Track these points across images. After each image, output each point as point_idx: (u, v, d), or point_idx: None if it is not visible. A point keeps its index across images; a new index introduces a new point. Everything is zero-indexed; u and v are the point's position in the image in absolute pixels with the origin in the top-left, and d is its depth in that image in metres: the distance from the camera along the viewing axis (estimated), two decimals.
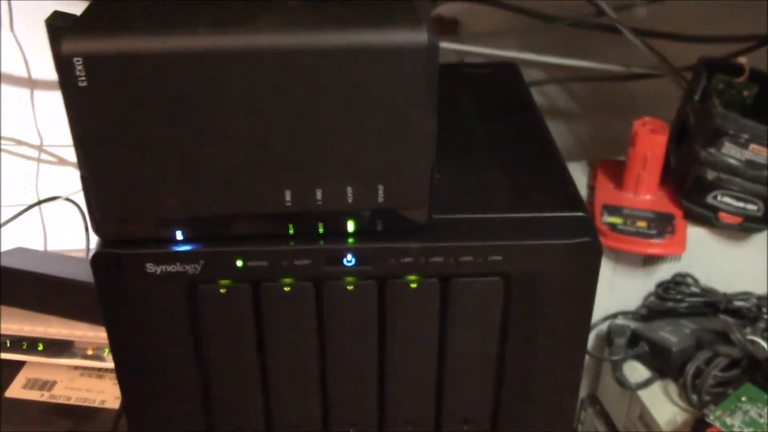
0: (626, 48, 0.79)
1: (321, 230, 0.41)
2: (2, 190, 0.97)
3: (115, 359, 0.45)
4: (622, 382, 0.65)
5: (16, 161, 0.99)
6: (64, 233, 0.91)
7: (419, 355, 0.45)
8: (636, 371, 0.66)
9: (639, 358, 0.66)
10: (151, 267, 0.41)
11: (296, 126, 0.37)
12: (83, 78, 0.36)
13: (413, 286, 0.42)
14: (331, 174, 0.39)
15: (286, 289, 0.42)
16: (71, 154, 0.98)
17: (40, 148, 0.98)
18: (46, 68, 0.93)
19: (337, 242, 0.41)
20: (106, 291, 0.42)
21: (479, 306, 0.43)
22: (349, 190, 0.39)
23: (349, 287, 0.42)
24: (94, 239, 0.89)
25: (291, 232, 0.41)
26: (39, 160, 0.99)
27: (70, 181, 0.99)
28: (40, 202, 0.91)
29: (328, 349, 0.44)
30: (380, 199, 0.40)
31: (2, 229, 0.84)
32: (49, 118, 0.97)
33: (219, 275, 0.42)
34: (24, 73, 0.94)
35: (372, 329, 0.44)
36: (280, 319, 0.43)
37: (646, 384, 0.65)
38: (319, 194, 0.39)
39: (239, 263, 0.41)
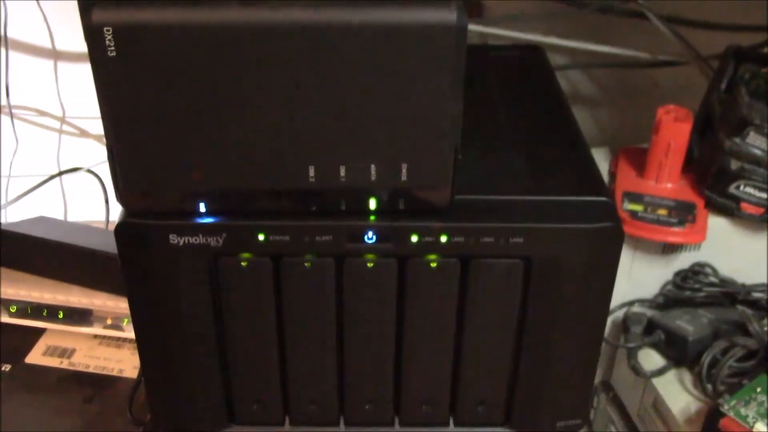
0: (652, 35, 0.79)
1: (343, 207, 0.41)
2: (24, 161, 0.97)
3: (136, 329, 0.45)
4: (637, 370, 0.65)
5: (38, 132, 1.00)
6: (85, 205, 0.92)
7: (437, 335, 0.45)
8: (651, 359, 0.66)
9: (654, 346, 0.66)
10: (174, 238, 0.41)
11: (322, 102, 0.37)
12: (112, 48, 0.36)
13: (433, 265, 0.42)
14: (355, 151, 0.39)
15: (307, 264, 0.42)
16: (93, 127, 0.99)
17: (62, 119, 0.99)
18: (70, 39, 0.93)
19: (358, 219, 0.41)
20: (128, 261, 0.42)
21: (499, 287, 0.43)
22: (373, 168, 0.39)
23: (369, 264, 0.42)
24: (115, 211, 0.90)
25: (313, 208, 0.41)
26: (61, 132, 1.00)
27: (91, 154, 1.00)
28: (61, 173, 0.91)
29: (346, 326, 0.45)
30: (403, 178, 0.40)
31: (23, 198, 0.85)
32: (73, 90, 0.97)
33: (241, 249, 0.42)
34: (48, 44, 0.94)
35: (391, 307, 0.44)
36: (300, 294, 0.43)
37: (660, 372, 0.65)
38: (342, 171, 0.39)
39: (261, 237, 0.41)
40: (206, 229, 0.41)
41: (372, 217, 0.41)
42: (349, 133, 0.38)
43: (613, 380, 0.72)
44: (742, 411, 0.56)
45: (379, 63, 0.36)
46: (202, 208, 0.41)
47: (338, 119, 0.38)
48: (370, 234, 0.41)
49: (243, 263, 0.42)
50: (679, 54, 0.80)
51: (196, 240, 0.41)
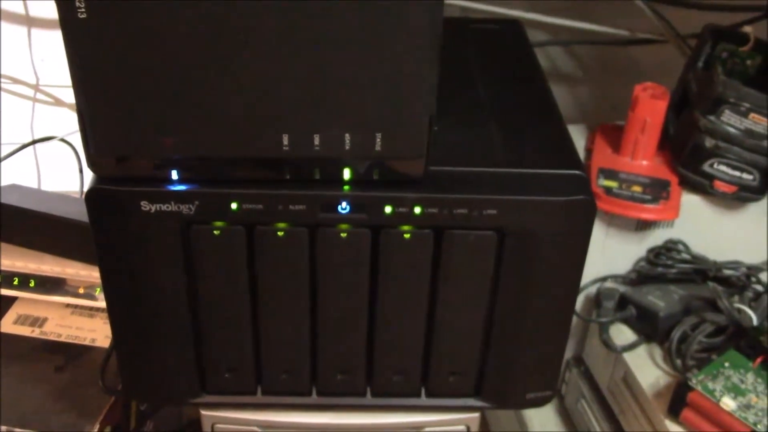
0: (631, 13, 0.79)
1: (317, 177, 0.41)
2: None
3: (107, 297, 0.45)
4: (608, 344, 0.66)
5: (12, 99, 0.98)
6: (58, 174, 0.91)
7: (410, 306, 0.45)
8: (622, 334, 0.67)
9: (626, 321, 0.67)
10: (145, 205, 0.41)
11: (297, 70, 0.37)
12: (83, 9, 0.35)
13: (407, 236, 0.42)
14: (329, 120, 0.39)
15: (280, 233, 0.42)
16: (68, 95, 0.98)
17: (36, 87, 0.97)
18: (43, 6, 0.92)
19: (332, 189, 0.41)
20: (99, 228, 0.42)
21: (472, 259, 0.43)
22: (347, 137, 0.39)
23: (342, 234, 0.42)
24: (88, 181, 0.89)
25: (287, 177, 0.41)
26: (35, 100, 0.98)
27: (65, 123, 0.98)
28: (34, 142, 0.90)
29: (319, 296, 0.45)
30: (378, 148, 0.40)
31: None
32: (47, 58, 0.95)
33: (213, 217, 0.42)
34: (22, 11, 0.92)
35: (364, 277, 0.44)
36: (273, 263, 0.43)
37: (631, 347, 0.66)
38: (317, 140, 0.39)
39: (234, 206, 0.41)
40: (178, 196, 0.41)
41: (346, 187, 0.41)
42: (324, 101, 0.38)
43: (585, 355, 0.73)
44: (710, 385, 0.57)
45: (354, 31, 0.36)
46: (175, 175, 0.41)
47: (313, 87, 0.38)
48: (344, 204, 0.41)
49: (216, 231, 0.42)
50: (658, 32, 0.80)
51: (168, 207, 0.41)
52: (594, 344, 0.70)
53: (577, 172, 0.43)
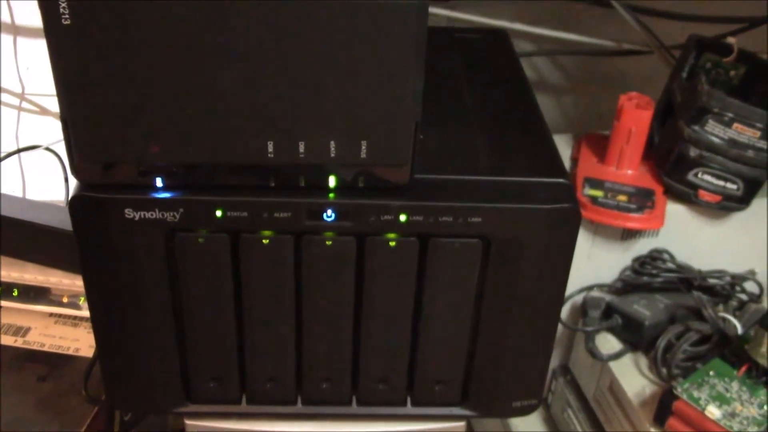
0: (616, 23, 0.79)
1: (302, 184, 0.41)
2: None
3: (90, 305, 0.45)
4: (594, 353, 0.66)
5: None
6: (43, 184, 0.91)
7: (395, 314, 0.45)
8: (608, 343, 0.67)
9: (612, 330, 0.67)
10: (129, 213, 0.41)
11: (282, 77, 0.37)
12: (67, 16, 0.35)
13: (392, 244, 0.42)
14: (315, 127, 0.39)
15: (265, 241, 0.42)
16: (53, 104, 0.97)
17: (21, 96, 0.97)
18: (30, 15, 0.91)
19: (318, 197, 0.41)
20: (83, 235, 0.42)
21: (457, 267, 0.43)
22: (333, 144, 0.39)
23: (327, 242, 0.42)
24: (74, 190, 0.88)
25: (272, 184, 0.41)
26: (20, 109, 0.98)
27: (51, 132, 0.98)
28: (19, 150, 0.89)
29: (304, 304, 0.45)
30: (363, 155, 0.40)
31: None
32: (32, 67, 0.95)
33: (198, 224, 0.41)
34: (7, 19, 0.92)
35: (349, 285, 0.44)
36: (258, 271, 0.43)
37: (617, 356, 0.66)
38: (302, 147, 0.39)
39: (219, 213, 0.41)
40: (163, 203, 0.41)
41: (331, 195, 0.41)
42: (309, 108, 0.38)
43: (571, 364, 0.73)
44: (695, 394, 0.57)
45: (340, 38, 0.36)
46: (159, 182, 0.41)
47: (298, 94, 0.38)
48: (329, 212, 0.41)
49: (200, 239, 0.42)
50: (643, 43, 0.81)
51: (152, 215, 0.41)
52: (580, 353, 0.70)
53: (561, 180, 0.43)
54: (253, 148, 0.39)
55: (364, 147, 0.39)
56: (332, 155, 0.40)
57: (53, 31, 0.36)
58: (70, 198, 0.41)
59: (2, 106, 0.97)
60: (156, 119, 0.38)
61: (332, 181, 0.41)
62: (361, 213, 0.41)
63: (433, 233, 0.42)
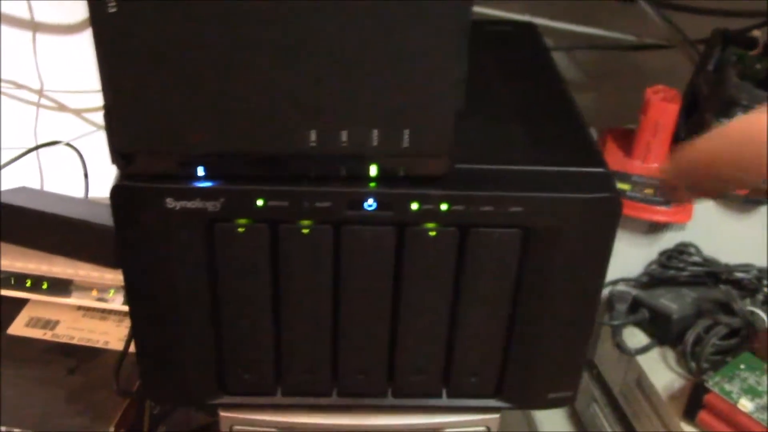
0: (635, 18, 0.79)
1: (343, 173, 0.41)
2: (1, 133, 0.95)
3: (128, 295, 0.44)
4: (621, 347, 0.65)
5: (15, 105, 0.98)
6: (61, 180, 0.91)
7: (433, 305, 0.45)
8: (635, 337, 0.67)
9: (639, 324, 0.67)
10: (170, 202, 0.41)
11: (326, 65, 0.37)
12: (113, 3, 0.35)
13: (432, 234, 0.42)
14: (358, 116, 0.38)
15: (305, 231, 0.42)
16: (72, 100, 0.97)
17: (40, 93, 0.97)
18: (49, 11, 0.91)
19: (358, 186, 0.41)
20: (123, 225, 0.42)
21: (496, 257, 0.43)
22: (375, 133, 0.39)
23: (367, 232, 0.42)
24: (93, 186, 0.88)
25: (312, 174, 0.41)
26: (39, 105, 0.98)
27: (69, 128, 0.98)
28: (39, 146, 0.89)
29: (342, 294, 0.44)
30: (405, 144, 0.39)
31: (0, 172, 0.83)
32: (51, 63, 0.95)
33: (238, 214, 0.41)
34: (27, 16, 0.92)
35: (388, 276, 0.44)
36: (297, 261, 0.43)
37: (644, 350, 0.66)
38: (344, 136, 0.39)
39: (260, 202, 0.41)
40: (204, 193, 0.40)
41: (372, 184, 0.41)
42: (353, 97, 0.38)
43: (596, 358, 0.73)
44: (727, 387, 0.57)
45: (384, 26, 0.36)
46: (201, 171, 0.40)
47: (341, 82, 0.37)
48: (371, 201, 0.41)
49: (240, 229, 0.42)
50: (664, 37, 0.81)
51: (193, 204, 0.41)
52: (606, 347, 0.70)
53: (601, 169, 0.43)
54: (296, 137, 0.39)
55: (406, 136, 0.39)
56: (374, 144, 0.39)
57: (98, 18, 0.35)
58: (111, 188, 0.40)
59: (21, 103, 0.97)
60: (198, 108, 0.38)
61: (373, 171, 0.41)
62: (402, 202, 0.41)
63: (474, 223, 0.42)
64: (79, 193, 0.83)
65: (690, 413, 0.59)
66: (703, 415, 0.58)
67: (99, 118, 0.98)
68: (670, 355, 0.65)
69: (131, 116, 0.38)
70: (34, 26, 0.93)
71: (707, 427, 0.58)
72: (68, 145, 0.87)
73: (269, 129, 0.39)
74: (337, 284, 0.44)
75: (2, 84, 0.96)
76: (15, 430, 0.52)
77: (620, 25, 0.84)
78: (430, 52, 0.37)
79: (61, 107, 0.99)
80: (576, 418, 0.76)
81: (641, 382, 0.65)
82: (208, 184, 0.40)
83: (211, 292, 0.44)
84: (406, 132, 0.39)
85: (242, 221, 0.42)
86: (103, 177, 0.76)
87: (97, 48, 0.37)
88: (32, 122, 0.98)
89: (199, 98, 0.38)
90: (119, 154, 0.40)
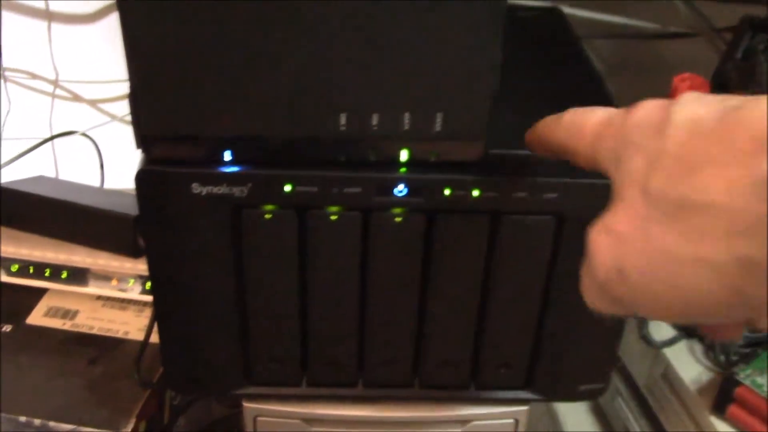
0: (658, 5, 0.78)
1: (373, 158, 0.40)
2: (15, 124, 0.95)
3: (153, 282, 0.44)
4: (647, 340, 0.64)
5: (30, 95, 0.97)
6: (77, 170, 0.90)
7: (462, 294, 0.44)
8: (661, 330, 0.65)
9: None
10: (197, 187, 0.40)
11: (357, 47, 0.36)
12: None
13: (463, 221, 0.41)
14: (389, 99, 0.37)
15: (333, 217, 0.41)
16: (86, 91, 0.97)
17: (55, 83, 0.96)
18: (64, 1, 0.90)
19: (389, 171, 0.40)
20: (148, 211, 0.41)
21: (529, 245, 0.42)
22: (407, 116, 0.38)
23: (397, 219, 0.41)
24: (109, 176, 0.87)
25: (342, 158, 0.40)
26: (54, 95, 0.97)
27: (83, 118, 0.97)
28: (54, 137, 0.89)
29: (369, 282, 0.43)
30: (437, 128, 0.38)
31: (15, 162, 0.82)
32: (66, 53, 0.94)
33: (266, 199, 0.40)
34: (42, 5, 0.91)
35: (416, 264, 0.43)
36: (324, 248, 0.42)
37: (671, 342, 0.64)
38: (375, 119, 0.38)
39: (288, 188, 0.40)
40: (231, 178, 0.40)
41: (402, 169, 0.40)
42: (384, 79, 0.37)
43: (621, 351, 0.71)
44: (758, 380, 0.56)
45: (418, 7, 0.35)
46: (228, 156, 0.39)
47: (373, 65, 0.36)
48: (401, 187, 0.40)
49: (267, 215, 0.41)
50: (689, 26, 0.79)
51: (219, 189, 0.40)
52: (631, 340, 0.68)
53: None
54: (325, 121, 0.38)
55: (438, 120, 0.38)
56: (406, 128, 0.38)
57: (126, 2, 0.35)
58: (136, 172, 0.40)
59: (36, 93, 0.97)
60: (225, 91, 0.37)
61: (404, 155, 0.40)
62: (434, 188, 0.40)
63: (506, 210, 0.41)
64: (94, 184, 0.82)
65: (719, 407, 0.57)
66: (733, 409, 0.56)
67: (114, 108, 0.98)
68: (698, 347, 0.64)
69: (157, 99, 0.37)
70: (50, 16, 0.92)
71: (737, 422, 0.56)
72: (84, 135, 0.87)
73: (298, 112, 0.38)
74: (365, 272, 0.43)
75: (17, 74, 0.96)
76: (36, 420, 0.52)
77: (642, 13, 0.83)
78: (466, 32, 0.36)
79: (77, 97, 0.98)
80: (599, 411, 0.75)
81: (668, 376, 0.63)
82: (234, 169, 0.39)
83: (236, 279, 0.43)
84: (439, 115, 0.38)
85: (269, 207, 0.41)
86: (119, 167, 0.76)
87: (123, 30, 0.36)
88: (47, 112, 0.97)
89: (227, 81, 0.37)
90: (144, 138, 0.39)
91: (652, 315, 0.28)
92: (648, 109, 0.28)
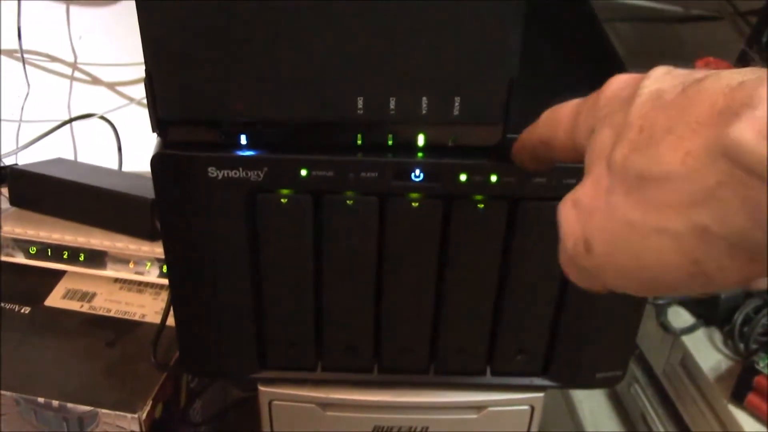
0: None
1: (390, 142, 0.39)
2: (35, 106, 0.95)
3: (168, 266, 0.44)
4: (666, 327, 0.64)
5: (49, 77, 0.98)
6: (95, 153, 0.90)
7: (479, 280, 0.44)
8: (680, 317, 0.65)
9: (684, 303, 0.65)
10: (212, 171, 0.40)
11: (375, 30, 0.35)
12: None
13: (480, 206, 0.41)
14: (407, 82, 0.37)
15: (349, 202, 0.41)
16: (105, 73, 0.97)
17: (74, 65, 0.96)
18: None
19: (406, 156, 0.40)
20: (164, 194, 0.41)
21: (548, 232, 0.41)
22: (425, 100, 0.38)
23: (414, 204, 0.41)
24: (127, 159, 0.88)
25: (359, 143, 0.39)
26: (72, 78, 0.98)
27: (102, 101, 0.97)
28: (72, 120, 0.89)
29: (386, 268, 0.43)
30: (456, 113, 0.38)
31: (34, 145, 0.83)
32: (85, 36, 0.94)
33: (282, 184, 0.40)
34: None
35: (433, 250, 0.42)
36: (340, 233, 0.42)
37: (690, 330, 0.64)
38: (393, 103, 0.38)
39: (303, 172, 0.40)
40: (247, 162, 0.39)
41: (419, 154, 0.40)
42: (402, 62, 0.36)
43: (638, 338, 0.71)
44: None
45: None
46: (243, 140, 0.39)
47: (391, 47, 0.36)
48: (418, 171, 0.40)
49: (283, 200, 0.41)
50: (713, 9, 0.78)
51: (235, 174, 0.40)
52: (649, 327, 0.68)
53: None
54: (343, 104, 0.38)
55: (456, 104, 0.38)
56: (424, 112, 0.38)
57: None
58: (152, 156, 0.39)
59: (55, 76, 0.97)
60: (242, 74, 0.37)
61: (421, 140, 0.39)
62: (451, 173, 0.40)
63: (524, 195, 0.41)
64: (112, 167, 0.82)
65: (738, 395, 0.57)
66: (752, 398, 0.56)
67: (133, 91, 0.98)
68: (717, 335, 0.63)
69: (173, 83, 0.37)
70: None
71: (756, 410, 0.56)
72: (102, 118, 0.87)
73: (315, 95, 0.37)
74: (381, 258, 0.43)
75: (37, 57, 0.96)
76: (54, 401, 0.52)
77: None
78: (485, 15, 0.35)
79: (95, 80, 0.98)
80: (616, 398, 0.74)
81: (686, 363, 0.63)
82: (250, 153, 0.39)
83: (252, 264, 0.43)
84: (457, 100, 0.38)
85: (285, 191, 0.41)
86: (137, 150, 0.76)
87: (138, 12, 0.35)
88: (66, 95, 0.98)
89: (243, 64, 0.36)
90: (160, 121, 0.39)
91: (618, 286, 0.28)
92: (620, 82, 0.29)
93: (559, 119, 0.33)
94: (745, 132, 0.21)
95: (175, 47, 0.36)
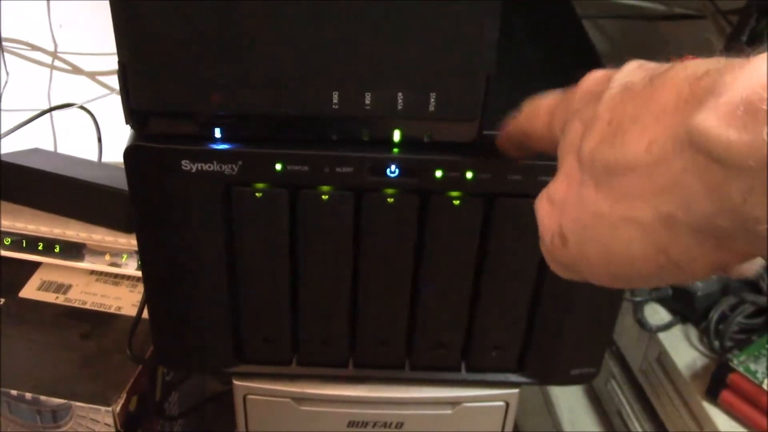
0: None
1: (366, 138, 0.39)
2: (13, 95, 0.94)
3: (142, 259, 0.43)
4: (642, 324, 0.64)
5: (28, 66, 0.97)
6: (74, 143, 0.89)
7: (455, 276, 0.44)
8: (657, 314, 0.65)
9: (661, 301, 0.65)
10: (186, 164, 0.39)
11: (350, 24, 0.35)
12: None
13: (456, 203, 0.41)
14: (383, 77, 0.37)
15: (325, 197, 0.41)
16: (86, 63, 0.96)
17: (54, 54, 0.96)
18: None
19: (381, 151, 0.39)
20: (137, 187, 0.40)
21: (524, 229, 0.42)
22: (400, 96, 0.37)
23: (389, 200, 0.41)
24: (107, 150, 0.87)
25: (334, 137, 0.39)
26: (52, 67, 0.97)
27: (82, 91, 0.97)
28: (52, 109, 0.88)
29: (361, 262, 0.43)
30: (431, 108, 0.38)
31: (12, 134, 0.82)
32: (65, 25, 0.94)
33: (256, 178, 0.40)
34: None
35: (409, 245, 0.42)
36: (316, 228, 0.42)
37: (666, 327, 0.64)
38: (368, 98, 0.37)
39: (278, 167, 0.39)
40: (221, 155, 0.39)
41: (395, 150, 0.39)
42: (378, 57, 0.36)
43: (616, 335, 0.71)
44: (752, 366, 0.56)
45: None
46: (218, 133, 0.39)
47: (366, 42, 0.36)
48: (393, 167, 0.40)
49: (258, 194, 0.40)
50: (695, 8, 0.78)
51: (209, 167, 0.39)
52: (626, 324, 0.68)
53: None
54: (317, 99, 0.37)
55: (432, 100, 0.38)
56: (399, 108, 0.38)
57: None
58: (125, 148, 0.39)
59: (35, 64, 0.96)
60: (216, 66, 0.36)
61: (397, 135, 0.39)
62: (427, 169, 0.40)
63: (500, 192, 0.40)
64: (92, 157, 0.82)
65: (712, 392, 0.57)
66: (726, 395, 0.56)
67: (113, 81, 0.97)
68: (693, 333, 0.64)
69: (147, 73, 0.37)
70: None
71: (730, 407, 0.56)
72: (82, 107, 0.86)
73: (290, 89, 0.37)
74: (357, 252, 0.43)
75: (16, 45, 0.95)
76: (27, 394, 0.52)
77: None
78: (461, 11, 0.35)
79: (76, 69, 0.97)
80: (593, 394, 0.75)
81: (662, 360, 0.63)
82: (225, 146, 0.39)
83: (227, 258, 0.43)
84: (433, 96, 0.37)
85: (260, 186, 0.40)
86: (117, 141, 0.75)
87: (112, 3, 0.35)
88: (46, 84, 0.97)
89: (218, 57, 0.36)
90: (134, 113, 0.38)
91: (593, 279, 0.28)
92: (593, 78, 0.29)
93: (538, 112, 0.33)
94: (709, 119, 0.21)
95: (149, 39, 0.36)
